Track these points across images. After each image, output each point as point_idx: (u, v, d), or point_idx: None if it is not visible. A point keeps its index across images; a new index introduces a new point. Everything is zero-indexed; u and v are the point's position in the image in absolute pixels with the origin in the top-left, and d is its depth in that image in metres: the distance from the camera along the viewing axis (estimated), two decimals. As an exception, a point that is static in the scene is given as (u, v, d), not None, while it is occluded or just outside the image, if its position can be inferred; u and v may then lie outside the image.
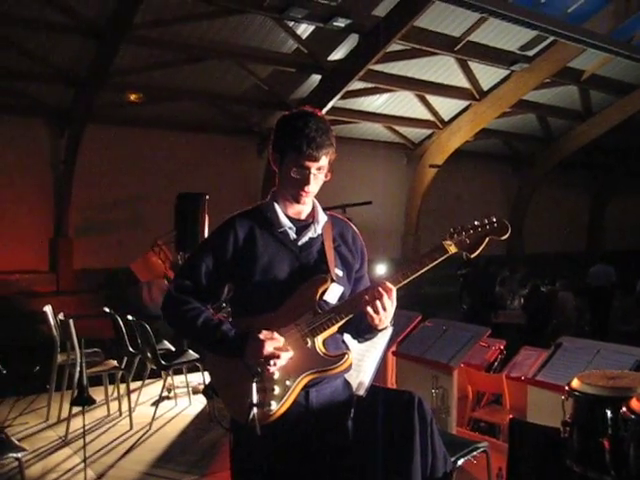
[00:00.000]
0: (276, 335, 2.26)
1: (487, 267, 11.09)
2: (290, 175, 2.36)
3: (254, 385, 2.25)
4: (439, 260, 2.33)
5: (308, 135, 2.29)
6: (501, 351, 5.56)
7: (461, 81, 12.09)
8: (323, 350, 2.32)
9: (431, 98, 12.72)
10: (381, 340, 2.91)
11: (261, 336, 2.23)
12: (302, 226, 2.45)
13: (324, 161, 2.35)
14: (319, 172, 2.37)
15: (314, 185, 2.38)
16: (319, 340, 2.32)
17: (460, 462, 3.49)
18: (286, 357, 2.26)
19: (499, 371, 5.39)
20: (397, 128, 13.86)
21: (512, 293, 11.16)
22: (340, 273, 2.44)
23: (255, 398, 2.24)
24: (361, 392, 2.76)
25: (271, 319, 2.33)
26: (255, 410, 2.23)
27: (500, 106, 12.60)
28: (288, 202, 2.45)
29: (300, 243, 2.42)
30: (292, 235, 2.42)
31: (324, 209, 2.54)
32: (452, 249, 2.33)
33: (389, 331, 2.93)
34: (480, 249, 2.35)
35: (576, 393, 2.72)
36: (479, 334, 5.15)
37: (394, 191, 14.25)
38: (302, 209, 2.47)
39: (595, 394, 2.66)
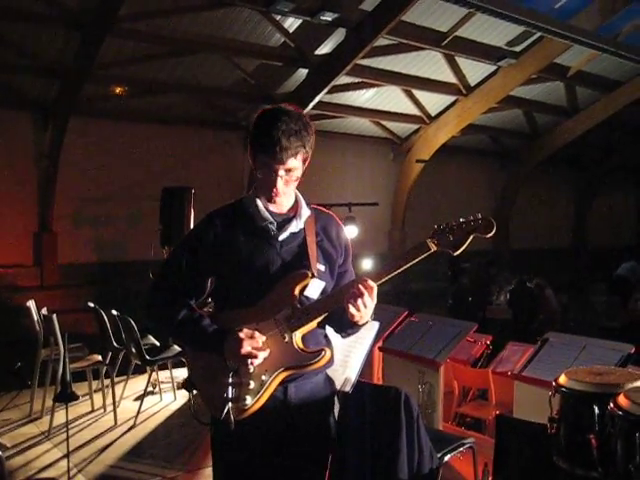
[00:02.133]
0: (256, 334, 2.25)
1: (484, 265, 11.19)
2: (261, 179, 2.34)
3: (230, 380, 2.25)
4: (421, 257, 2.31)
5: (273, 137, 2.23)
6: (487, 346, 5.57)
7: (448, 76, 12.07)
8: (301, 346, 2.31)
9: (418, 93, 12.70)
10: (367, 336, 2.89)
11: (241, 335, 2.22)
12: (283, 220, 2.42)
13: (293, 163, 2.30)
14: (288, 174, 2.32)
15: (283, 187, 2.35)
16: (297, 335, 2.31)
17: (447, 458, 3.49)
18: (263, 356, 2.24)
19: (485, 366, 5.39)
20: (384, 123, 13.83)
21: (499, 289, 11.18)
22: (322, 268, 2.42)
23: (230, 392, 2.25)
24: (347, 388, 2.74)
25: (250, 313, 2.32)
26: (230, 405, 2.24)
27: (487, 101, 12.60)
28: None
29: (281, 238, 2.39)
30: (273, 230, 2.39)
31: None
32: (434, 247, 2.31)
33: (375, 327, 2.92)
34: (464, 247, 2.33)
35: (563, 389, 2.72)
36: (466, 329, 5.15)
37: (380, 186, 14.22)
38: (284, 204, 2.44)
39: (582, 390, 2.65)
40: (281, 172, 2.30)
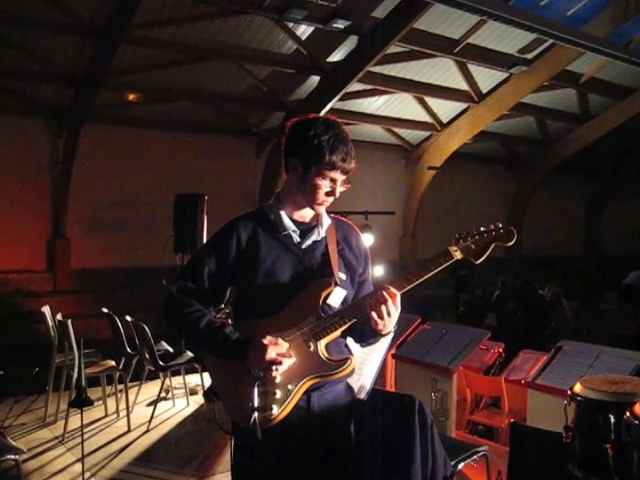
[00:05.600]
0: (280, 341, 2.23)
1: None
2: (316, 187, 2.34)
3: (255, 389, 2.22)
4: (444, 266, 2.30)
5: (342, 150, 2.32)
6: (500, 354, 5.55)
7: (460, 83, 12.09)
8: (326, 354, 2.30)
9: (430, 100, 12.72)
10: (382, 344, 2.89)
11: (265, 341, 2.20)
12: (306, 229, 2.42)
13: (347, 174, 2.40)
14: (336, 183, 2.39)
15: (324, 196, 2.39)
16: (322, 344, 2.29)
17: (460, 466, 3.47)
18: (288, 363, 2.23)
19: (498, 374, 5.38)
20: (395, 130, 13.86)
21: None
22: (343, 277, 2.41)
23: (256, 402, 2.22)
24: (362, 396, 2.75)
25: (274, 322, 2.30)
26: (256, 414, 2.21)
27: (499, 109, 12.61)
28: (293, 205, 2.42)
29: (304, 246, 2.39)
30: (296, 238, 2.39)
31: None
32: (458, 255, 2.31)
33: (390, 335, 2.92)
34: (485, 255, 2.33)
35: (579, 398, 2.71)
36: (479, 337, 5.14)
37: (392, 193, 14.24)
38: (307, 212, 2.44)
39: (598, 399, 2.64)
40: (340, 180, 2.37)
